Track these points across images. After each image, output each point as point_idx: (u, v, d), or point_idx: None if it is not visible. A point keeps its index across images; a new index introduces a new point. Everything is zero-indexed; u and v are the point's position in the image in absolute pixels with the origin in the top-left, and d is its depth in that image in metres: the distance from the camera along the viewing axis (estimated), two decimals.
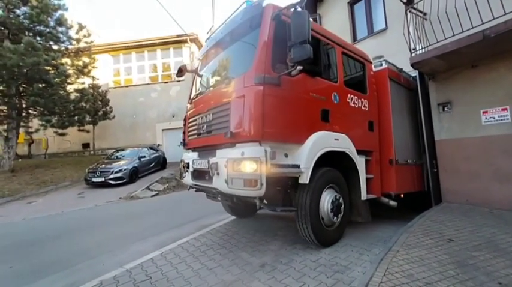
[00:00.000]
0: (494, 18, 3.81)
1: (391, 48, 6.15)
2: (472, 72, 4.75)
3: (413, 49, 4.98)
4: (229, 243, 3.55)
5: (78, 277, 2.84)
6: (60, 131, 13.50)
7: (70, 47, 13.43)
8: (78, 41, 13.53)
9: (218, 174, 2.90)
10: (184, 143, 4.09)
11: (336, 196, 3.26)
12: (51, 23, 12.02)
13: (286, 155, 2.88)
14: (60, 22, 12.23)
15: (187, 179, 3.77)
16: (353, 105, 3.77)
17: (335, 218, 3.24)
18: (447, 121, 5.12)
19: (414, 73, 5.33)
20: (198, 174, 3.48)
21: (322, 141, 3.13)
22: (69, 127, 13.38)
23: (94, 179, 9.99)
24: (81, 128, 14.67)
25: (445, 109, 5.14)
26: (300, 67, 2.89)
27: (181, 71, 4.05)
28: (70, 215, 6.50)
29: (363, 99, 3.96)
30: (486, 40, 3.78)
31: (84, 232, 4.84)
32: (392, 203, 4.06)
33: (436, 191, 5.15)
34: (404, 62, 4.97)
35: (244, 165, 2.59)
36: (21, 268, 3.31)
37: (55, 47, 12.75)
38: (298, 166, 2.86)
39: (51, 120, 12.40)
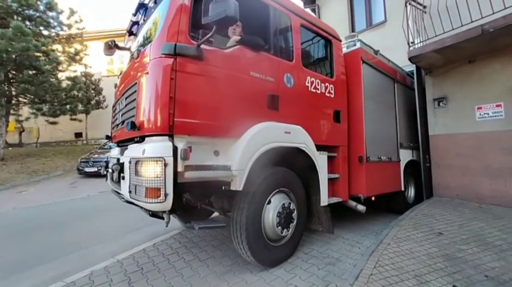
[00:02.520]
0: (493, 13, 3.77)
1: (390, 41, 6.08)
2: (468, 68, 4.74)
3: (412, 43, 4.93)
4: (221, 235, 3.55)
5: (68, 268, 2.82)
6: (51, 119, 13.27)
7: (61, 33, 13.05)
8: (69, 26, 13.14)
9: (123, 178, 2.31)
10: (108, 136, 3.36)
11: (284, 203, 2.63)
12: (41, 7, 11.62)
13: (216, 153, 2.25)
14: (51, 6, 11.83)
15: (108, 181, 3.03)
16: (314, 90, 3.11)
17: (284, 231, 2.62)
18: (442, 116, 5.14)
19: (411, 67, 5.30)
20: (115, 176, 2.66)
21: (266, 134, 2.47)
22: (61, 116, 13.14)
23: (87, 169, 9.87)
24: (74, 117, 14.42)
25: (441, 104, 5.15)
26: (236, 37, 2.43)
27: (109, 48, 2.94)
28: (62, 205, 6.43)
29: (327, 84, 3.32)
30: (484, 35, 3.75)
31: (77, 222, 4.79)
32: (361, 207, 3.53)
33: (428, 185, 5.22)
34: (403, 56, 4.92)
35: (143, 168, 1.96)
36: (11, 258, 3.26)
37: (45, 32, 12.37)
38: (228, 168, 2.20)
39: (42, 108, 12.15)
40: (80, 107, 13.97)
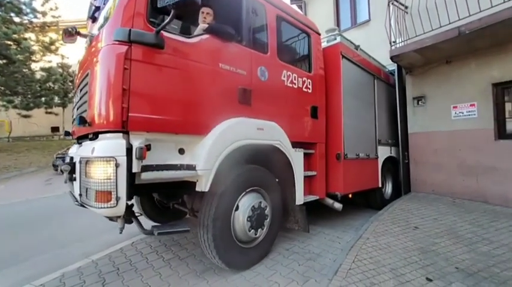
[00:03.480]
0: (470, 15, 3.91)
1: (374, 40, 6.19)
2: (446, 68, 4.92)
3: (393, 42, 5.04)
4: None
5: (39, 269, 2.66)
6: (24, 112, 12.49)
7: (35, 20, 12.25)
8: (44, 14, 12.36)
9: (75, 179, 2.10)
10: (68, 132, 3.01)
11: (256, 203, 2.48)
12: None
13: (181, 152, 2.10)
14: None
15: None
16: (290, 85, 3.01)
17: (256, 231, 2.49)
18: (420, 115, 5.32)
19: (394, 66, 5.43)
20: (65, 177, 2.37)
21: (237, 131, 2.33)
22: (36, 109, 12.41)
23: None
24: (49, 110, 13.68)
25: (420, 103, 5.33)
26: (203, 25, 2.26)
27: (70, 35, 2.57)
28: (35, 203, 6.10)
29: (305, 79, 3.22)
30: (461, 36, 3.89)
31: (51, 221, 4.55)
32: (337, 205, 3.52)
33: (406, 181, 5.41)
34: (386, 55, 5.02)
35: (93, 168, 1.76)
36: None
37: (17, 19, 11.58)
38: (193, 168, 2.05)
39: (14, 100, 11.45)
40: (57, 100, 13.29)
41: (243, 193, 2.43)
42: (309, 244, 3.11)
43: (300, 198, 2.97)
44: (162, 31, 1.93)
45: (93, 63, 1.94)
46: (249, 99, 2.53)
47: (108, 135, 1.84)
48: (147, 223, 3.03)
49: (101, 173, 1.71)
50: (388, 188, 5.25)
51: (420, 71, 5.29)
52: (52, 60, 13.15)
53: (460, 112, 4.76)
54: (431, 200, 4.70)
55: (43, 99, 12.23)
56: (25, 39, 11.16)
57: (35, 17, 12.10)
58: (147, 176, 1.84)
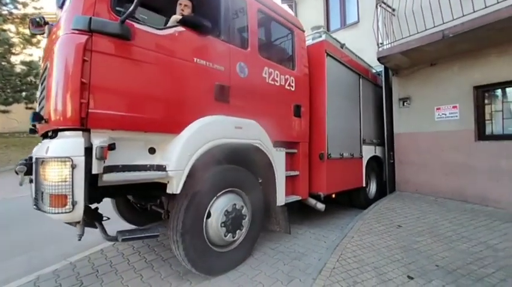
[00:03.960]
0: (453, 19, 4.01)
1: (362, 41, 6.26)
2: (430, 70, 5.04)
3: (381, 43, 5.11)
4: None
5: (14, 272, 2.53)
6: (3, 108, 11.89)
7: (15, 11, 11.66)
8: (24, 5, 11.77)
9: (31, 181, 1.95)
10: (32, 129, 2.75)
11: (228, 207, 2.34)
12: None
13: (152, 151, 2.00)
14: None
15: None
16: (272, 82, 2.92)
17: (233, 235, 2.38)
18: (406, 116, 5.43)
19: (381, 68, 5.52)
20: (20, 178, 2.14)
21: (212, 130, 2.22)
22: (15, 104, 11.83)
23: None
24: (30, 105, 13.07)
25: (405, 104, 5.44)
26: (177, 17, 2.18)
27: (37, 25, 2.32)
28: (13, 203, 5.82)
29: (288, 76, 3.15)
30: (445, 40, 3.99)
31: (29, 221, 4.35)
32: (320, 206, 3.49)
33: (392, 180, 5.52)
34: (374, 56, 5.07)
35: (47, 170, 1.60)
36: None
37: None
38: (163, 168, 1.94)
39: None
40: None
41: (219, 195, 2.31)
42: (294, 243, 3.11)
43: (281, 199, 2.89)
44: (130, 21, 1.80)
45: (51, 54, 1.78)
46: (227, 96, 2.43)
47: (67, 133, 1.70)
48: (123, 226, 2.95)
49: (55, 175, 1.55)
50: (372, 188, 5.29)
51: (406, 72, 5.39)
52: (33, 54, 12.58)
53: (443, 114, 4.89)
54: (414, 199, 4.81)
55: (23, 94, 11.68)
56: (4, 30, 10.62)
57: (15, 7, 11.52)
58: (110, 178, 1.71)
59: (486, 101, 4.50)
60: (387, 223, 3.49)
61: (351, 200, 4.83)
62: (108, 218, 2.29)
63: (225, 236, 2.31)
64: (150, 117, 1.93)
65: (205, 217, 2.20)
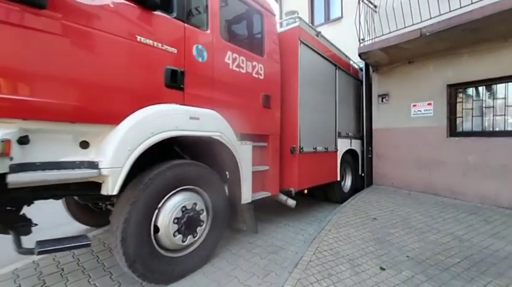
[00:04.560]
0: (431, 18, 4.11)
1: (345, 37, 6.30)
2: (408, 68, 5.18)
3: (362, 39, 5.17)
4: None
5: None
6: None
7: None
8: None
9: None
10: None
11: (185, 206, 2.11)
12: None
13: (84, 145, 1.73)
14: None
15: None
16: (237, 69, 2.70)
17: (187, 238, 2.12)
18: (384, 111, 5.58)
19: (362, 64, 5.60)
20: None
21: (160, 120, 1.95)
22: None
23: None
24: None
25: (384, 100, 5.58)
26: None
27: None
28: None
29: (256, 63, 2.93)
30: (422, 38, 4.09)
31: None
32: (291, 202, 3.37)
33: (369, 174, 5.69)
34: (357, 52, 5.11)
35: None
36: None
37: None
38: (95, 166, 1.68)
39: None
40: None
41: (170, 194, 2.06)
42: (273, 236, 3.11)
43: (247, 196, 2.71)
44: None
45: None
46: (181, 82, 2.17)
47: None
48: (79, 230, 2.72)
49: None
50: (348, 182, 5.24)
51: (385, 69, 5.51)
52: None
53: (418, 110, 5.06)
54: (390, 192, 4.99)
55: None
56: None
57: None
58: (17, 179, 1.39)
59: (458, 99, 4.70)
60: (363, 216, 3.58)
61: (326, 195, 4.77)
62: (36, 225, 2.01)
63: (180, 240, 2.07)
64: (77, 104, 1.62)
65: (153, 219, 1.94)
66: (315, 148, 3.83)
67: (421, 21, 4.24)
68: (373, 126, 5.71)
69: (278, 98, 3.29)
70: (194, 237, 2.21)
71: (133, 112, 1.86)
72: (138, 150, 1.81)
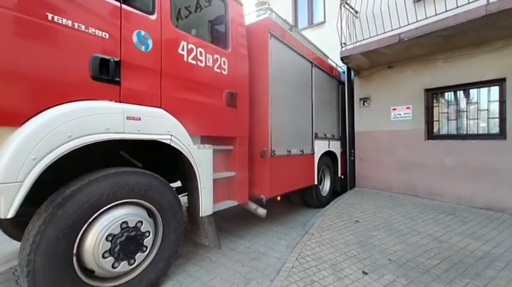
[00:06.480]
0: (408, 24, 4.24)
1: (328, 42, 6.38)
2: (388, 72, 5.31)
3: (344, 44, 5.25)
4: None
5: None
6: None
7: None
8: None
9: None
10: None
11: (122, 222, 1.76)
12: None
13: None
14: None
15: None
16: (193, 61, 2.38)
17: (120, 264, 1.75)
18: (365, 115, 5.68)
19: (344, 68, 5.69)
20: None
21: (80, 121, 1.57)
22: None
23: None
24: None
25: (365, 104, 5.68)
26: None
27: None
28: None
29: (218, 57, 2.63)
30: (401, 43, 4.20)
31: None
32: (261, 211, 3.09)
33: (352, 177, 5.76)
34: (339, 56, 5.18)
35: None
36: None
37: None
38: None
39: None
40: None
41: (103, 210, 1.68)
42: (255, 242, 3.01)
43: (207, 207, 2.38)
44: None
45: None
46: (115, 74, 1.81)
47: None
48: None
49: None
50: (326, 185, 5.03)
51: (366, 73, 5.63)
52: None
53: (398, 114, 5.19)
54: (372, 194, 5.05)
55: None
56: None
57: None
58: None
59: (435, 103, 4.87)
60: (346, 219, 3.57)
61: (303, 199, 4.53)
62: None
63: (109, 263, 1.70)
64: None
65: (76, 240, 1.57)
66: (289, 151, 3.56)
67: (400, 27, 4.36)
68: (355, 129, 5.80)
69: (246, 96, 2.98)
70: (130, 265, 1.80)
71: (43, 111, 1.49)
72: (47, 158, 1.43)
